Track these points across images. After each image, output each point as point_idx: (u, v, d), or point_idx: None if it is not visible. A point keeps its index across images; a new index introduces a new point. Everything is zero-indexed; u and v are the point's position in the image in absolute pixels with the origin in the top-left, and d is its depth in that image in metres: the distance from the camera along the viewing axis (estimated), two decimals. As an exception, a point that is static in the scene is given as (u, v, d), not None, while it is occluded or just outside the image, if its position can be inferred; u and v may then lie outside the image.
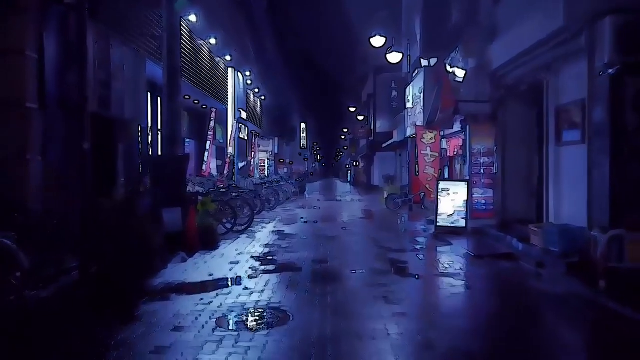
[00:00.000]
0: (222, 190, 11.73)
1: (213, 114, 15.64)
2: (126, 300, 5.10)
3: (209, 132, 15.95)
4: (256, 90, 27.32)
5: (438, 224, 10.96)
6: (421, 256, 8.62)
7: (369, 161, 37.65)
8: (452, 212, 10.86)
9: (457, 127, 13.23)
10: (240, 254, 8.49)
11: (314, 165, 79.73)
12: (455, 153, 14.89)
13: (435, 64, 12.62)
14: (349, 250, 9.15)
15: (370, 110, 37.80)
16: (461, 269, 7.33)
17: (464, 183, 10.89)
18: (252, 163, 24.72)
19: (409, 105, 16.36)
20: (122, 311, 4.82)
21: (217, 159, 22.90)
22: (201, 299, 5.41)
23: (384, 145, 25.73)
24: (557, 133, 8.25)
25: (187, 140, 20.30)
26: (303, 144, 63.12)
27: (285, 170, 40.02)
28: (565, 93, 8.06)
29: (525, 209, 10.27)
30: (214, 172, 20.28)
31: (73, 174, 6.47)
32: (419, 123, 14.12)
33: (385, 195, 22.36)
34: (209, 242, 9.25)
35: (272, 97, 32.66)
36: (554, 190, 8.50)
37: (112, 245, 5.42)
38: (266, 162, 32.37)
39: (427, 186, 13.39)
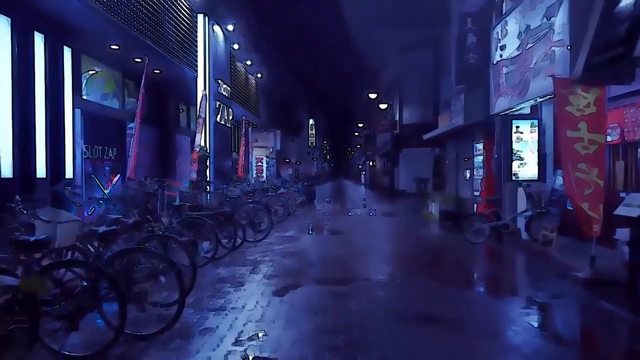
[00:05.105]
0: (98, 229, 4.58)
1: (146, 65, 8.46)
2: None
3: (138, 103, 8.63)
4: (248, 63, 20.21)
5: None
6: None
7: (393, 160, 30.35)
8: None
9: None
10: None
11: (322, 166, 72.56)
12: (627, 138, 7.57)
13: None
14: None
15: (394, 99, 30.62)
16: None
17: None
18: (241, 161, 17.57)
19: (502, 54, 9.12)
20: None
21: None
22: None
23: (425, 137, 18.55)
24: None
25: (131, 125, 13.09)
26: (312, 142, 55.91)
27: (290, 171, 32.85)
28: None
29: None
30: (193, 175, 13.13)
31: None
32: (557, 73, 6.81)
33: (433, 209, 15.17)
34: None
35: (272, 77, 25.51)
36: None
37: None
38: (264, 160, 25.17)
39: (586, 206, 6.13)
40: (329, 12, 32.26)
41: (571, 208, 8.48)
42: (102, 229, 4.23)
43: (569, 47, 6.72)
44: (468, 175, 15.07)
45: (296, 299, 5.46)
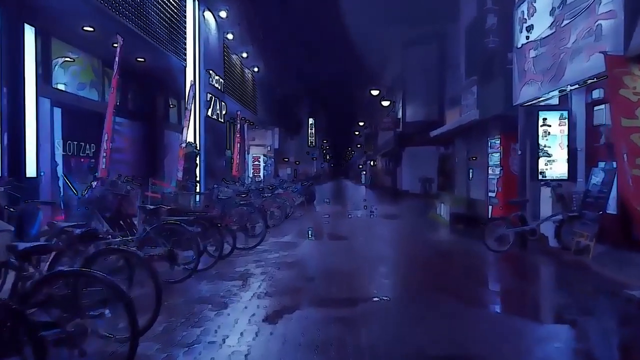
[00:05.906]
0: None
1: (120, 46, 7.28)
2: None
3: (110, 90, 7.42)
4: (244, 55, 19.08)
5: None
6: None
7: (396, 160, 29.23)
8: None
9: None
10: None
11: (322, 165, 71.46)
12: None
13: None
14: None
15: (397, 96, 29.51)
16: None
17: None
18: (235, 160, 16.43)
19: (529, 35, 7.99)
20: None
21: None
22: None
23: (433, 134, 17.38)
24: None
25: (119, 119, 11.97)
26: (311, 141, 54.77)
27: (289, 171, 31.72)
28: None
29: None
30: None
31: None
32: (608, 49, 5.65)
33: (442, 212, 14.05)
34: None
35: (270, 72, 24.39)
36: None
37: None
38: (262, 159, 24.06)
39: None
40: (330, 3, 31.11)
41: (611, 212, 7.41)
42: (22, 245, 3.09)
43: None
44: (471, 174, 14.03)
45: (291, 329, 4.31)
